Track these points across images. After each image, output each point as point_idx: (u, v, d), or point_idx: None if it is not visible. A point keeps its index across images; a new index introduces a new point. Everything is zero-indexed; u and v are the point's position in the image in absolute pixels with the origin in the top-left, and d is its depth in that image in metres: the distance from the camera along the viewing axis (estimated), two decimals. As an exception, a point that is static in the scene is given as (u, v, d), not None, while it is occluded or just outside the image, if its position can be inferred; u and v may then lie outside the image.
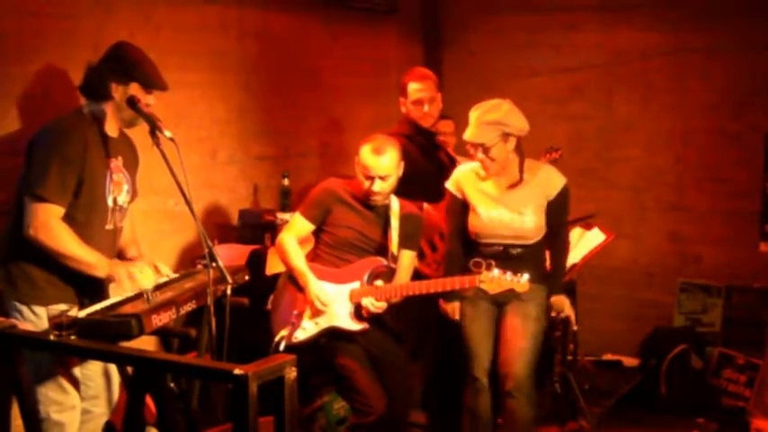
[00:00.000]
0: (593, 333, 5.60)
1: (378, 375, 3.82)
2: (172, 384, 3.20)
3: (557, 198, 3.87)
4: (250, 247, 4.47)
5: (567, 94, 5.99)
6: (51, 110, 3.52)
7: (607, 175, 5.91)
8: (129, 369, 3.41)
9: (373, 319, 3.88)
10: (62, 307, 3.17)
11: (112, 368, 3.45)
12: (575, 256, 4.56)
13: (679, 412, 5.00)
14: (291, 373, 2.54)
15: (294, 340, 3.87)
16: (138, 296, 3.12)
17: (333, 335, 3.88)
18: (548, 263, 3.99)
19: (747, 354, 5.14)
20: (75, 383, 3.30)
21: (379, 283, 3.86)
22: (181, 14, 4.49)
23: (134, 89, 3.24)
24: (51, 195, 3.11)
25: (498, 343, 3.86)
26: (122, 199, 3.37)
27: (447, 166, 4.62)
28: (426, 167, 4.47)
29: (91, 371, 3.38)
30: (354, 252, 3.95)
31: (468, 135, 3.77)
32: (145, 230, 3.93)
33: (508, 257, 3.81)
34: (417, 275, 4.10)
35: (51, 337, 2.86)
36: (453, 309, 3.97)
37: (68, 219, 3.16)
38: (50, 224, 3.10)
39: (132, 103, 3.22)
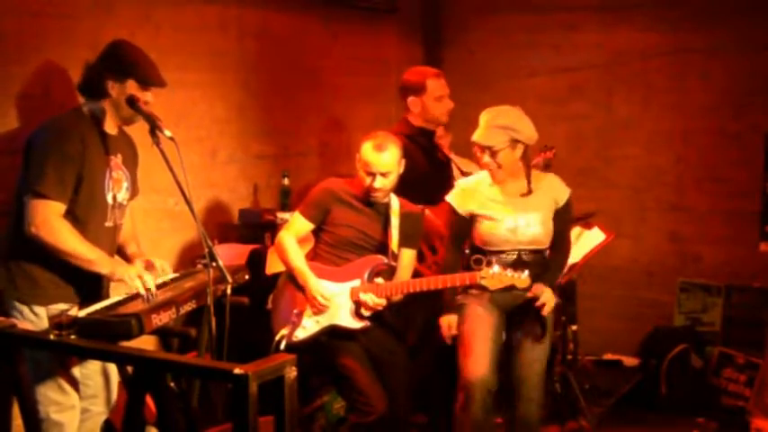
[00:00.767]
0: (593, 333, 5.60)
1: (378, 375, 3.82)
2: (172, 384, 3.20)
3: (564, 206, 3.88)
4: (250, 247, 4.47)
5: (567, 94, 5.99)
6: (51, 109, 3.52)
7: (607, 175, 5.91)
8: (129, 369, 3.42)
9: (374, 317, 3.88)
10: (62, 306, 3.17)
11: (111, 367, 3.45)
12: (575, 255, 4.55)
13: (679, 412, 5.00)
14: (291, 373, 2.54)
15: (294, 339, 3.88)
16: (138, 296, 3.12)
17: (333, 334, 3.88)
18: None
19: (747, 353, 5.14)
20: (75, 383, 3.30)
21: (379, 280, 3.86)
22: (180, 14, 4.49)
23: (131, 86, 3.23)
24: (51, 192, 3.10)
25: (510, 352, 3.85)
26: (122, 196, 3.37)
27: (445, 166, 4.63)
28: (427, 167, 4.47)
29: (90, 370, 3.38)
30: (355, 251, 3.95)
31: (477, 137, 3.76)
32: (145, 229, 3.93)
33: (521, 263, 3.80)
34: (417, 277, 4.09)
35: (51, 337, 2.86)
36: (450, 323, 3.89)
37: (68, 216, 3.16)
38: (51, 221, 3.10)
39: (132, 102, 3.22)
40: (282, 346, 3.85)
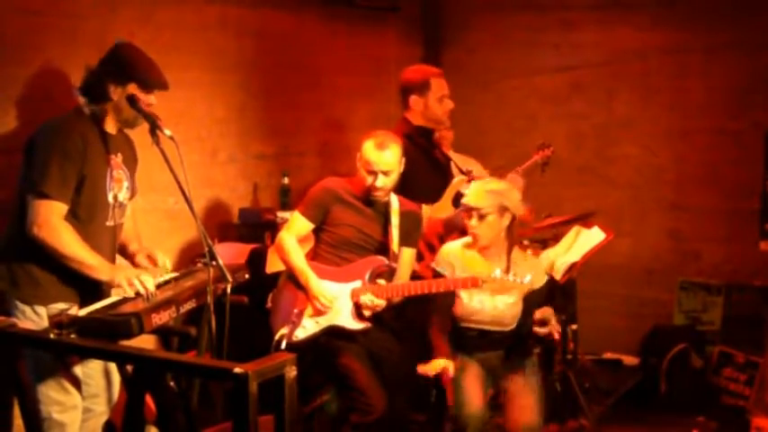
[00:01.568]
0: (593, 331, 5.59)
1: (378, 374, 3.82)
2: (172, 383, 3.20)
3: (538, 291, 3.88)
4: (250, 246, 4.47)
5: (567, 94, 5.99)
6: (53, 110, 3.51)
7: (607, 174, 5.92)
8: (129, 368, 3.42)
9: (373, 317, 3.88)
10: (62, 306, 3.17)
11: (113, 367, 3.45)
12: (574, 254, 4.56)
13: (679, 411, 5.00)
14: (291, 372, 2.54)
15: (294, 339, 3.87)
16: (138, 295, 3.12)
17: (333, 334, 3.88)
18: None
19: (747, 352, 5.14)
20: (77, 383, 3.30)
21: (381, 282, 3.86)
22: (181, 14, 4.49)
23: (132, 90, 3.23)
24: (53, 192, 3.11)
25: (506, 403, 3.83)
26: (123, 195, 3.37)
27: (444, 166, 4.62)
28: (426, 167, 4.45)
29: (91, 369, 3.38)
30: (355, 251, 3.95)
31: (468, 199, 3.81)
32: (145, 229, 3.93)
33: (486, 340, 3.86)
34: (415, 278, 4.09)
35: (51, 336, 2.86)
36: (444, 364, 3.75)
37: (70, 216, 3.16)
38: (53, 223, 3.10)
39: (132, 101, 3.22)
40: (282, 345, 3.85)
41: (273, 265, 4.26)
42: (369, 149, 3.87)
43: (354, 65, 5.81)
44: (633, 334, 5.64)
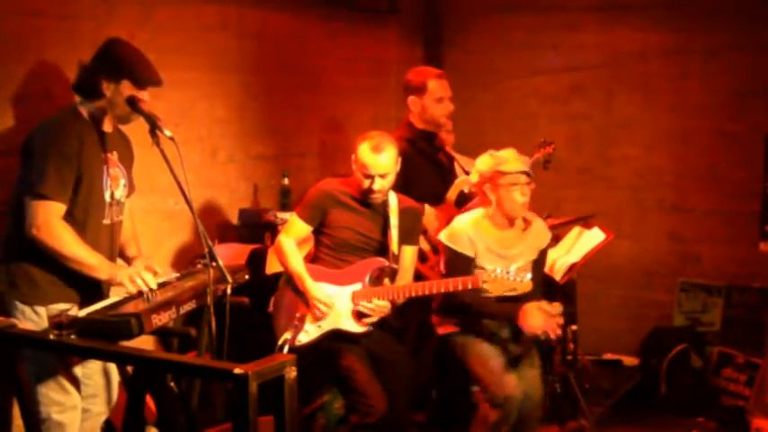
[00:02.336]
0: (593, 332, 5.59)
1: (379, 375, 3.81)
2: (172, 384, 3.20)
3: (545, 250, 3.98)
4: (250, 247, 4.47)
5: (567, 94, 5.99)
6: (52, 110, 3.50)
7: (607, 175, 5.92)
8: (129, 369, 3.42)
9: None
10: (62, 306, 3.16)
11: (112, 367, 3.44)
12: (575, 255, 4.56)
13: (679, 411, 4.99)
14: (291, 373, 2.54)
15: (298, 344, 3.85)
16: (139, 295, 3.12)
17: (334, 336, 3.87)
18: None
19: (747, 353, 5.14)
20: (77, 383, 3.29)
21: (387, 282, 3.85)
22: (181, 14, 4.49)
23: (125, 86, 3.22)
24: (52, 193, 3.10)
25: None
26: (119, 193, 3.36)
27: (447, 167, 4.61)
28: (429, 171, 4.43)
29: (90, 369, 3.37)
30: (354, 253, 3.93)
31: (522, 165, 3.81)
32: (145, 229, 3.93)
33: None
34: (419, 278, 4.08)
35: (51, 337, 2.86)
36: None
37: (67, 215, 3.16)
38: (52, 223, 3.10)
39: (132, 102, 3.22)
40: (285, 350, 3.83)
41: (273, 265, 4.26)
42: (364, 153, 3.82)
43: (355, 66, 5.81)
44: (633, 335, 5.64)
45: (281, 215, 4.69)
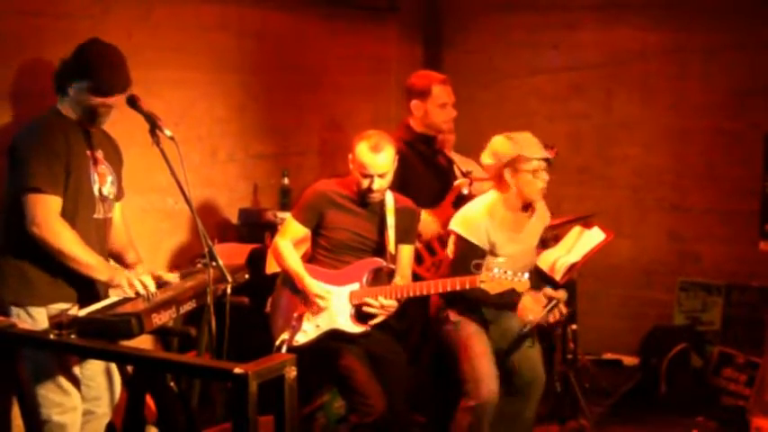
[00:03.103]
0: (593, 332, 5.60)
1: (378, 375, 3.81)
2: (172, 383, 3.20)
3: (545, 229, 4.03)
4: (250, 246, 4.47)
5: (567, 94, 5.99)
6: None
7: (607, 174, 5.92)
8: (129, 368, 3.41)
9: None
10: (62, 306, 3.16)
11: (114, 368, 3.44)
12: (575, 255, 4.56)
13: (679, 411, 4.99)
14: (291, 372, 2.54)
15: (295, 344, 3.84)
16: (138, 295, 3.12)
17: (333, 336, 3.87)
18: None
19: (747, 352, 5.14)
20: (77, 384, 3.28)
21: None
22: (180, 13, 4.48)
23: (87, 90, 3.17)
24: (46, 186, 3.09)
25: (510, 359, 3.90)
26: (107, 190, 3.33)
27: (446, 170, 4.59)
28: (426, 174, 4.40)
29: (92, 371, 3.36)
30: (351, 253, 3.92)
31: (542, 150, 3.83)
32: (144, 229, 3.93)
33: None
34: (415, 279, 4.07)
35: (51, 337, 2.86)
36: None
37: None
38: (52, 221, 3.09)
39: (132, 102, 3.21)
40: (283, 350, 3.83)
41: (273, 265, 4.25)
42: (363, 152, 3.79)
43: (354, 64, 5.80)
44: (633, 334, 5.64)
45: (281, 214, 4.68)
